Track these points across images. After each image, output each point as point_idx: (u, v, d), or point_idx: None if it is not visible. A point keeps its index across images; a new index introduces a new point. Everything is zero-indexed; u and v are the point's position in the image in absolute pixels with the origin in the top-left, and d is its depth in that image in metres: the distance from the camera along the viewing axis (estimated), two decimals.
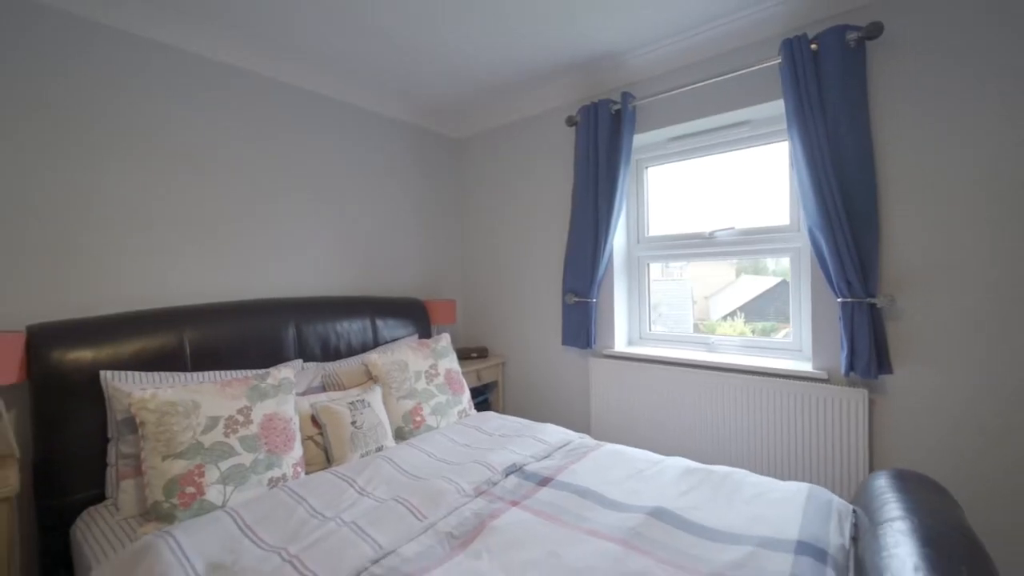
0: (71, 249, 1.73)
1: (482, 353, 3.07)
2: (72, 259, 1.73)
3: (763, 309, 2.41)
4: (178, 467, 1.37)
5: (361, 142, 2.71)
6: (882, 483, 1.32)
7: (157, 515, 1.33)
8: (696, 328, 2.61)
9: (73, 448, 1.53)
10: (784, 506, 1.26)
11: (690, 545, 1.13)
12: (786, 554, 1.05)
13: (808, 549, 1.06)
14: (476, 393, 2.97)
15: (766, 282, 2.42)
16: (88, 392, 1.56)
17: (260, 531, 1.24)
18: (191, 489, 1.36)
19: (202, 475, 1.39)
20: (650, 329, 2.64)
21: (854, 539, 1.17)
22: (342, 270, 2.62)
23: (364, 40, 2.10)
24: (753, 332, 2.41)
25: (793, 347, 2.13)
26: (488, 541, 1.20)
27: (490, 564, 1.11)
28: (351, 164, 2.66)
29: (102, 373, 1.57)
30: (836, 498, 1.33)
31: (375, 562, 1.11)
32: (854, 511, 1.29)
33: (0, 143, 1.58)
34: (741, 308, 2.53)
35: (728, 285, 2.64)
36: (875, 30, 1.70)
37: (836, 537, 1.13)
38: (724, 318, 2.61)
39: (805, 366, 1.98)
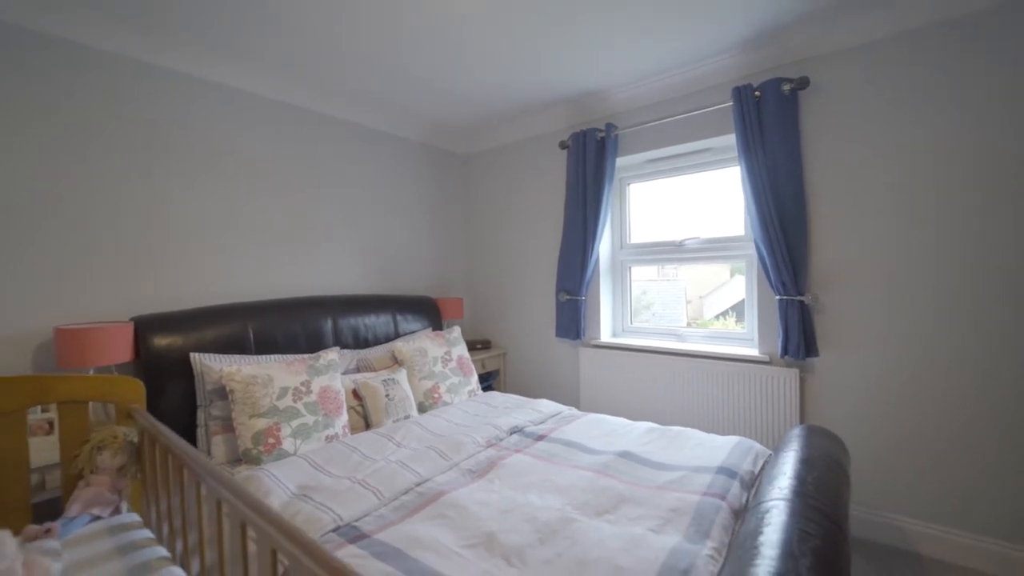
0: (159, 255, 2.15)
1: (486, 345, 3.51)
2: (160, 263, 2.15)
3: None
4: (261, 423, 1.80)
5: (383, 161, 3.15)
6: (795, 433, 1.76)
7: (247, 459, 1.75)
8: (689, 326, 2.89)
9: (170, 411, 1.95)
10: (717, 450, 1.70)
11: (644, 472, 1.57)
12: (708, 474, 1.49)
13: (724, 471, 1.51)
14: (481, 380, 3.39)
15: None
16: (179, 369, 1.98)
17: (329, 467, 1.67)
18: (272, 440, 1.79)
19: (279, 430, 1.82)
20: (631, 323, 3.08)
21: (763, 469, 1.61)
22: (367, 272, 3.05)
23: (391, 80, 2.54)
24: (745, 330, 2.66)
25: (746, 337, 2.57)
26: (499, 473, 1.63)
27: (501, 485, 1.54)
28: (374, 179, 3.09)
29: (192, 355, 1.99)
30: (758, 445, 1.77)
31: (418, 484, 1.55)
32: (771, 454, 1.73)
33: (113, 177, 2.01)
34: (732, 307, 2.80)
35: (722, 285, 2.90)
36: (804, 83, 2.15)
37: (748, 466, 1.58)
38: (717, 317, 2.93)
39: (753, 351, 2.42)
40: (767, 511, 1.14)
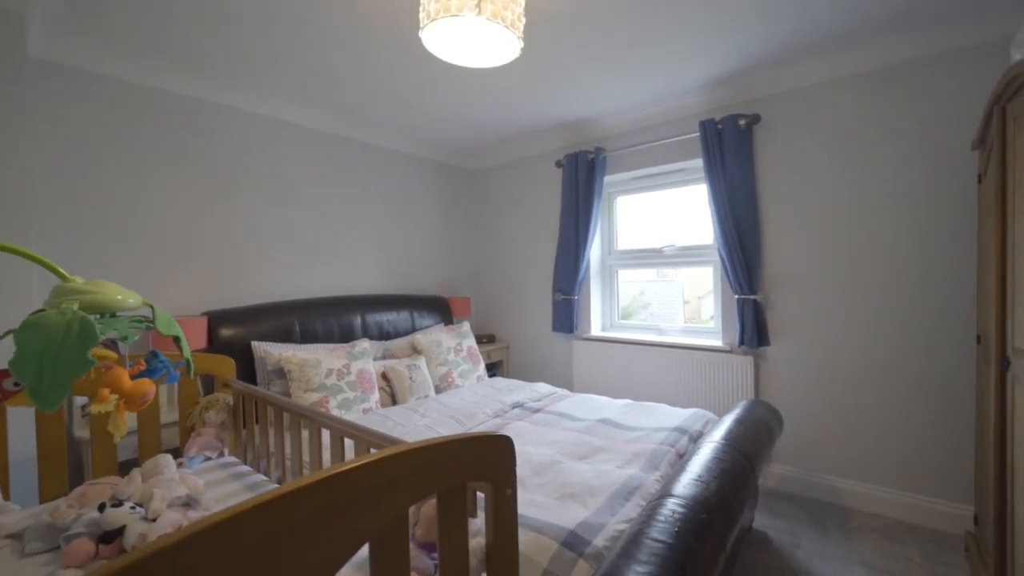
0: (222, 260, 2.61)
1: (491, 339, 3.95)
2: (223, 267, 2.61)
3: None
4: (314, 397, 2.25)
5: (402, 177, 3.60)
6: (741, 404, 2.19)
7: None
8: (687, 323, 3.23)
9: None
10: (676, 417, 2.15)
11: (617, 432, 2.02)
12: (665, 432, 1.94)
13: (677, 429, 1.95)
14: (487, 369, 3.83)
15: None
16: (242, 354, 2.43)
17: None
18: (322, 410, 2.23)
19: (328, 403, 2.26)
20: (618, 319, 3.52)
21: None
22: (388, 274, 3.50)
23: (409, 112, 2.99)
24: (712, 324, 3.11)
25: (714, 330, 3.00)
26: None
27: None
28: (395, 193, 3.54)
29: (253, 343, 2.44)
30: (711, 414, 2.21)
31: None
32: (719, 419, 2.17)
33: (185, 196, 2.47)
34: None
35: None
36: (756, 119, 2.59)
37: (698, 427, 2.02)
38: (712, 316, 3.32)
39: (717, 342, 2.86)
40: (699, 448, 1.58)
